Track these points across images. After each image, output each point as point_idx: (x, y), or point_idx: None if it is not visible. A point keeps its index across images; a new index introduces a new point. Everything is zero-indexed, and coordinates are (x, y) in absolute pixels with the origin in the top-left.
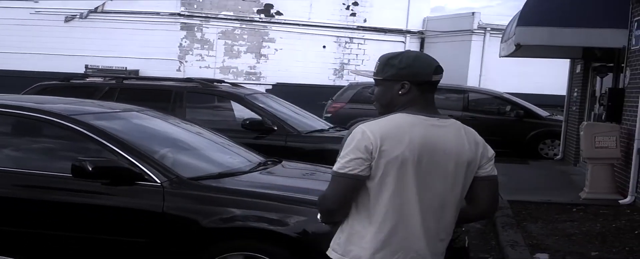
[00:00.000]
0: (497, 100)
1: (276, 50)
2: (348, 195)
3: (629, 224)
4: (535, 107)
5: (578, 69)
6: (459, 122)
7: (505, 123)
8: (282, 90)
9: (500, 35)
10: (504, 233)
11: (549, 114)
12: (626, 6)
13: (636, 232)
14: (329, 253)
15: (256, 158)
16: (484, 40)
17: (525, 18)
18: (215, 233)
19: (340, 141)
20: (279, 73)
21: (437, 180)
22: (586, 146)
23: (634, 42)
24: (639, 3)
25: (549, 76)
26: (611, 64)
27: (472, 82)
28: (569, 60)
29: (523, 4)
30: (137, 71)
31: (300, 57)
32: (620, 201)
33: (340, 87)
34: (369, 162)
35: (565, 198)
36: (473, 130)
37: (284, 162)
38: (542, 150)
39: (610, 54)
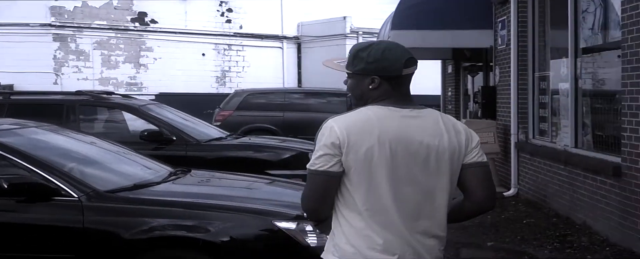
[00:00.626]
0: None
1: (155, 59)
2: (324, 192)
3: (517, 214)
4: None
5: (449, 69)
6: (436, 111)
7: None
8: (166, 100)
9: (371, 38)
10: None
11: None
12: (490, 8)
13: (524, 221)
14: (325, 255)
15: (165, 169)
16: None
17: (397, 22)
18: (138, 244)
19: (240, 148)
20: (161, 83)
21: (418, 173)
22: None
23: (499, 42)
24: (501, 5)
25: (423, 77)
26: (481, 64)
27: None
28: (440, 61)
29: (393, 8)
30: (11, 86)
31: (181, 66)
32: (504, 194)
33: (224, 94)
34: (338, 158)
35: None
36: (452, 118)
37: (193, 171)
38: None
39: (479, 53)
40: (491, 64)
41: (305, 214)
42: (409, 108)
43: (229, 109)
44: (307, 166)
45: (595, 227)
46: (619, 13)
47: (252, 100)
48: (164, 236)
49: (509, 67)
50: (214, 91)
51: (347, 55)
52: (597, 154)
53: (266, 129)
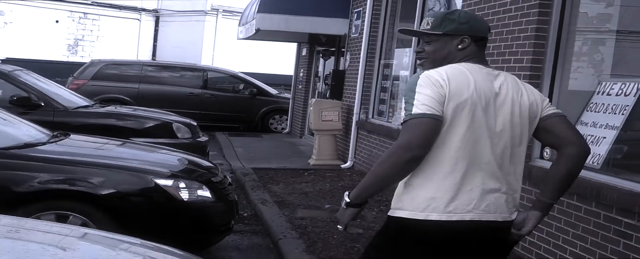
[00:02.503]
0: (233, 79)
1: (6, 23)
2: (432, 137)
3: (352, 183)
4: (266, 85)
5: (304, 52)
6: (510, 74)
7: (240, 100)
8: (14, 65)
9: (231, 17)
10: (253, 193)
11: (278, 92)
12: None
13: None
14: (395, 212)
15: (45, 132)
16: (216, 21)
17: (264, 6)
18: (27, 196)
19: (106, 116)
20: (10, 47)
21: (507, 124)
22: (315, 120)
23: (353, 31)
24: None
25: (279, 58)
26: (334, 49)
27: (206, 61)
28: (296, 44)
29: None
30: None
31: (33, 32)
32: (342, 166)
33: (74, 63)
34: (443, 103)
35: (298, 165)
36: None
37: (72, 135)
38: (272, 125)
39: (334, 39)
40: (343, 49)
41: (409, 155)
42: (490, 68)
43: (83, 78)
44: (413, 112)
45: None
46: None
47: (108, 70)
48: (53, 189)
49: (360, 54)
50: (64, 59)
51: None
52: None
53: (120, 100)
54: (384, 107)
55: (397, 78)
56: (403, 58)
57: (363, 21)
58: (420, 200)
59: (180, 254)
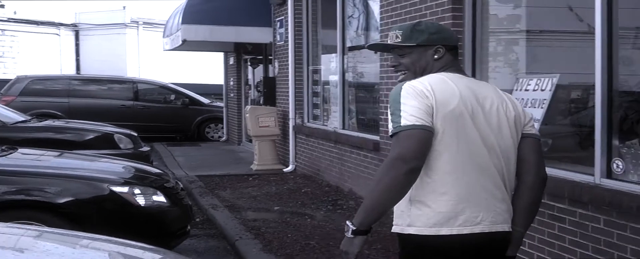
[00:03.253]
0: (164, 90)
1: None
2: (426, 148)
3: (296, 185)
4: (198, 95)
5: (232, 60)
6: (489, 84)
7: (174, 111)
8: None
9: (152, 29)
10: (202, 199)
11: (210, 101)
12: (270, 8)
13: (303, 191)
14: (404, 229)
15: None
16: (138, 34)
17: (188, 17)
18: None
19: (45, 130)
20: None
21: (497, 134)
22: (252, 126)
23: (278, 39)
24: (279, 6)
25: (204, 67)
26: (261, 57)
27: (132, 73)
28: (223, 53)
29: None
30: None
31: None
32: (284, 170)
33: None
34: (431, 114)
35: (241, 171)
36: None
37: (19, 149)
38: (208, 133)
39: (260, 47)
40: (270, 57)
41: (405, 168)
42: (469, 77)
43: (11, 94)
44: (402, 124)
45: (359, 192)
46: (378, 20)
47: (35, 86)
48: (10, 200)
49: (287, 61)
50: None
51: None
52: (361, 134)
53: (52, 114)
54: (318, 111)
55: (327, 83)
56: (330, 64)
57: (286, 29)
58: (428, 216)
59: (140, 245)
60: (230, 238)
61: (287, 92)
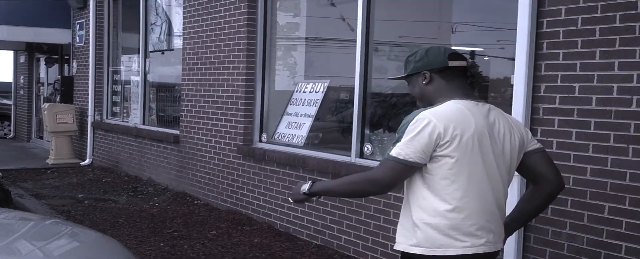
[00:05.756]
0: None
1: None
2: (402, 179)
3: (96, 176)
4: None
5: (22, 59)
6: (496, 107)
7: None
8: None
9: None
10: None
11: None
12: (69, 11)
13: (104, 181)
14: (411, 249)
15: None
16: None
17: None
18: None
19: None
20: None
21: (504, 159)
22: (50, 123)
23: (77, 40)
24: (80, 10)
25: None
26: (57, 56)
27: None
28: (12, 51)
29: None
30: None
31: None
32: (81, 163)
33: None
34: (430, 152)
35: (37, 165)
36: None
37: None
38: None
39: (56, 47)
40: (67, 57)
41: (374, 190)
42: (481, 102)
43: None
44: (393, 153)
45: (158, 180)
46: (181, 29)
47: None
48: None
49: (88, 61)
50: None
51: None
52: (162, 129)
53: None
54: (118, 108)
55: (128, 82)
56: (132, 65)
57: (87, 32)
58: (435, 238)
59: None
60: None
61: (87, 90)
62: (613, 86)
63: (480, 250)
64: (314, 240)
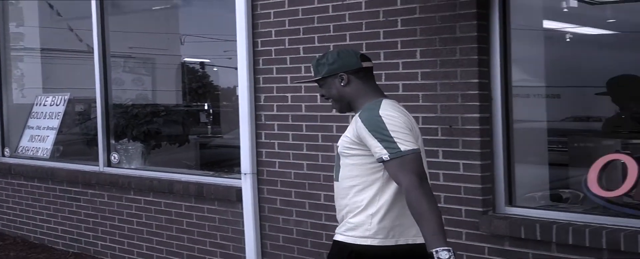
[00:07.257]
0: None
1: None
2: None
3: None
4: None
5: None
6: None
7: None
8: None
9: None
10: None
11: None
12: None
13: None
14: (363, 241)
15: None
16: None
17: None
18: None
19: None
20: None
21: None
22: None
23: None
24: None
25: None
26: None
27: None
28: None
29: None
30: None
31: None
32: None
33: None
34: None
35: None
36: None
37: None
38: None
39: None
40: None
41: (428, 184)
42: None
43: None
44: (402, 149)
45: None
46: None
47: None
48: None
49: None
50: None
51: None
52: None
53: None
54: None
55: None
56: None
57: None
58: (387, 228)
59: None
60: None
61: None
62: (316, 95)
63: (419, 240)
64: (71, 249)
